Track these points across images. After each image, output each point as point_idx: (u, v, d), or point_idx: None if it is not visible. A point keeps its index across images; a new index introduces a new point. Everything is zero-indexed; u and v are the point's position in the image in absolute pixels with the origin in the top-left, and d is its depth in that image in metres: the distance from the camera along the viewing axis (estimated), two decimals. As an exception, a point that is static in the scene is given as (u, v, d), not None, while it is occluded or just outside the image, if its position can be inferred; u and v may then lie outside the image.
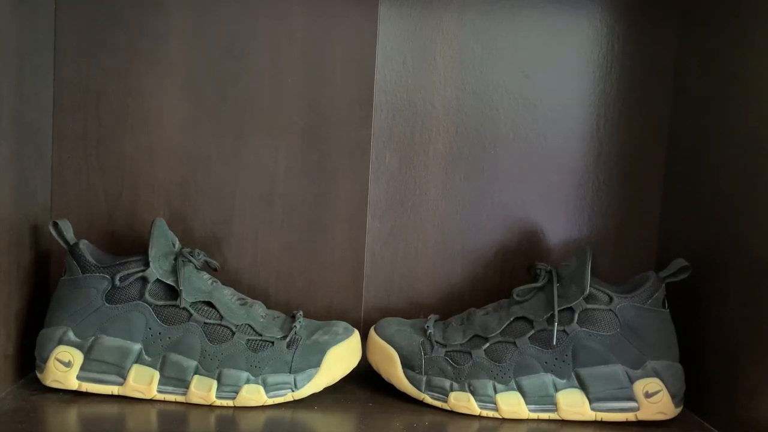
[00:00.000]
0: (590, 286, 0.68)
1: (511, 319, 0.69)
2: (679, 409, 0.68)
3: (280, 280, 0.80)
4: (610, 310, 0.68)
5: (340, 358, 0.69)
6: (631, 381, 0.67)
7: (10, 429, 0.59)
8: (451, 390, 0.68)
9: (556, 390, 0.67)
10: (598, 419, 0.67)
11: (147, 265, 0.68)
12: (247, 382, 0.66)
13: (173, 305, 0.68)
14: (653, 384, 0.67)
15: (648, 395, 0.66)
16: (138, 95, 0.77)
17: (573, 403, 0.67)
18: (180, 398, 0.67)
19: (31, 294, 0.72)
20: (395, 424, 0.65)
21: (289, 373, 0.67)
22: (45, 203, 0.75)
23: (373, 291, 0.81)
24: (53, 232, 0.69)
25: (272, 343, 0.68)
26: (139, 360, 0.66)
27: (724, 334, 0.68)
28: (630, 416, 0.67)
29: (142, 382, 0.66)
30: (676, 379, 0.67)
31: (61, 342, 0.66)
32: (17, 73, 0.67)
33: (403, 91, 0.79)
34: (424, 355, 0.70)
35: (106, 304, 0.67)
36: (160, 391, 0.67)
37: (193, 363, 0.66)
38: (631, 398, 0.67)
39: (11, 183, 0.67)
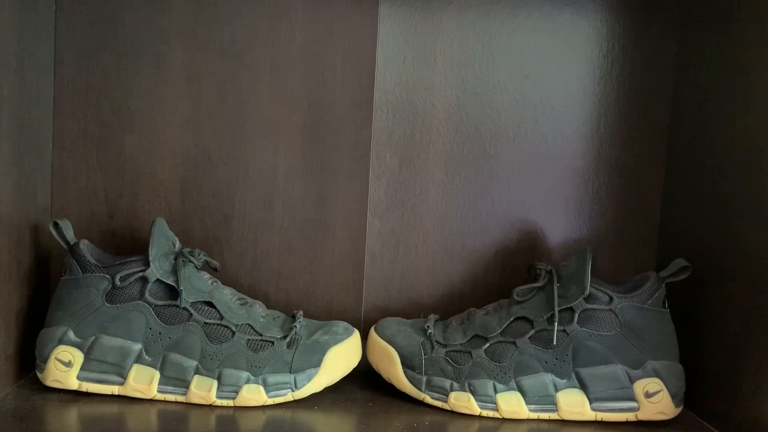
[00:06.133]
0: (590, 286, 0.68)
1: (511, 319, 0.69)
2: (679, 409, 0.68)
3: (280, 280, 0.80)
4: (610, 310, 0.68)
5: (340, 358, 0.69)
6: (631, 381, 0.67)
7: (10, 429, 0.59)
8: (452, 390, 0.68)
9: (557, 390, 0.67)
10: (598, 419, 0.67)
11: (147, 265, 0.68)
12: (248, 382, 0.66)
13: (173, 305, 0.68)
14: (653, 384, 0.67)
15: (648, 395, 0.66)
16: (138, 95, 0.77)
17: (573, 403, 0.67)
18: (180, 398, 0.67)
19: (31, 294, 0.72)
20: (395, 424, 0.65)
21: (289, 373, 0.67)
22: (45, 203, 0.75)
23: (373, 291, 0.81)
24: (53, 232, 0.69)
25: (272, 343, 0.68)
26: (139, 360, 0.66)
27: (724, 334, 0.68)
28: (630, 416, 0.67)
29: (143, 382, 0.66)
30: (676, 379, 0.67)
31: (61, 342, 0.66)
32: (17, 73, 0.67)
33: (403, 91, 0.79)
34: (424, 355, 0.70)
35: (107, 304, 0.67)
36: (160, 391, 0.67)
37: (194, 363, 0.66)
38: (631, 398, 0.67)
39: (11, 183, 0.67)
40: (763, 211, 0.63)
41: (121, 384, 0.66)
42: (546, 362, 0.68)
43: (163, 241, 0.69)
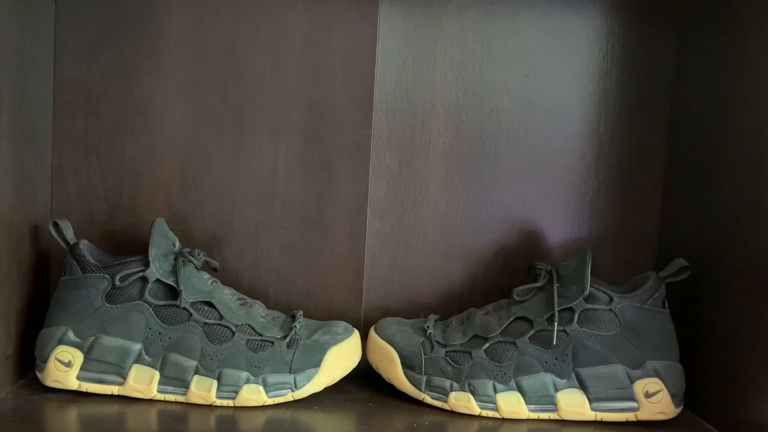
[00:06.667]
0: (590, 286, 0.68)
1: (511, 319, 0.69)
2: (679, 409, 0.68)
3: (280, 280, 0.80)
4: (610, 310, 0.68)
5: (340, 358, 0.69)
6: (631, 381, 0.67)
7: (10, 429, 0.59)
8: (451, 390, 0.68)
9: (556, 390, 0.67)
10: (598, 419, 0.67)
11: (147, 265, 0.68)
12: (247, 382, 0.66)
13: (173, 305, 0.68)
14: (653, 384, 0.67)
15: (648, 395, 0.66)
16: (138, 95, 0.77)
17: (573, 403, 0.67)
18: (180, 398, 0.67)
19: (31, 294, 0.72)
20: (395, 424, 0.65)
21: (289, 373, 0.67)
22: (45, 203, 0.75)
23: (373, 291, 0.81)
24: (53, 232, 0.69)
25: (272, 343, 0.68)
26: (139, 360, 0.66)
27: (724, 334, 0.68)
28: (630, 416, 0.67)
29: (142, 382, 0.66)
30: (676, 379, 0.67)
31: (61, 342, 0.66)
32: (17, 73, 0.67)
33: (403, 91, 0.79)
34: (424, 355, 0.70)
35: (106, 304, 0.67)
36: (160, 391, 0.67)
37: (193, 363, 0.66)
38: (631, 398, 0.67)
39: (11, 183, 0.67)
40: (763, 211, 0.63)
41: (121, 384, 0.66)
42: (546, 362, 0.68)
43: (163, 241, 0.69)
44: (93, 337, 0.67)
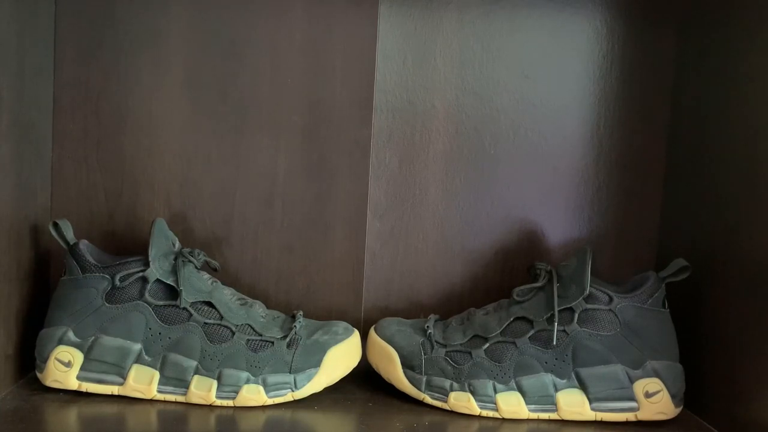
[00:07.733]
0: (590, 286, 0.68)
1: (511, 319, 0.69)
2: (679, 409, 0.68)
3: (280, 280, 0.80)
4: (610, 310, 0.68)
5: (340, 358, 0.69)
6: (631, 381, 0.67)
7: (10, 429, 0.59)
8: (451, 390, 0.68)
9: (556, 390, 0.67)
10: (598, 419, 0.67)
11: (147, 265, 0.68)
12: (247, 382, 0.66)
13: (173, 305, 0.68)
14: (653, 384, 0.67)
15: (648, 395, 0.66)
16: (138, 95, 0.77)
17: (573, 403, 0.67)
18: (180, 398, 0.67)
19: (31, 294, 0.72)
20: (395, 424, 0.65)
21: (289, 373, 0.67)
22: (45, 203, 0.75)
23: (373, 291, 0.81)
24: (53, 232, 0.69)
25: (272, 343, 0.68)
26: (139, 360, 0.66)
27: (724, 334, 0.68)
28: (630, 416, 0.67)
29: (142, 382, 0.66)
30: (676, 379, 0.67)
31: (61, 342, 0.66)
32: (17, 73, 0.67)
33: (403, 91, 0.79)
34: (424, 355, 0.70)
35: (106, 304, 0.67)
36: (160, 391, 0.67)
37: (193, 363, 0.66)
38: (631, 398, 0.67)
39: (11, 183, 0.67)
40: (763, 211, 0.63)
41: (121, 384, 0.66)
42: (546, 362, 0.68)
43: (162, 241, 0.69)
44: (93, 337, 0.67)
